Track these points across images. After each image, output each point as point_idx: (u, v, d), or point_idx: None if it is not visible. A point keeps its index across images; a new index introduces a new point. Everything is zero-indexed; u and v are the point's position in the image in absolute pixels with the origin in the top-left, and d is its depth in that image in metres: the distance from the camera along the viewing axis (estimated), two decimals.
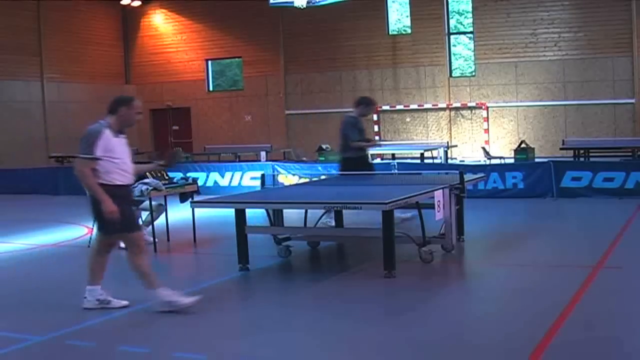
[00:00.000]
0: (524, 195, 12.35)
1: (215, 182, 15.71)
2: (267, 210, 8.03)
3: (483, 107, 21.23)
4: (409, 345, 4.99)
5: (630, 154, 16.86)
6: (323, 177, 11.88)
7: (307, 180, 12.47)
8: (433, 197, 7.34)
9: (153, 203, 9.14)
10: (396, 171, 10.26)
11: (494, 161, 17.14)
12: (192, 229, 9.37)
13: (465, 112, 21.77)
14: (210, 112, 25.47)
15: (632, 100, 19.82)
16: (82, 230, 10.67)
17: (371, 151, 19.70)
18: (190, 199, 9.33)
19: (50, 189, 16.98)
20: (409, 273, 7.09)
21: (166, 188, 9.12)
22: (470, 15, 21.94)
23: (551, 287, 6.56)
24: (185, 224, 9.84)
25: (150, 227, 9.09)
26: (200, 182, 11.62)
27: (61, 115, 23.86)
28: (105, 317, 5.88)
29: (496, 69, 21.27)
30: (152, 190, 8.78)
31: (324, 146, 19.31)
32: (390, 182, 8.91)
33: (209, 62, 25.66)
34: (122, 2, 25.35)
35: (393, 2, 22.80)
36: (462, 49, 23.02)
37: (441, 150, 19.31)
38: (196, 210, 9.08)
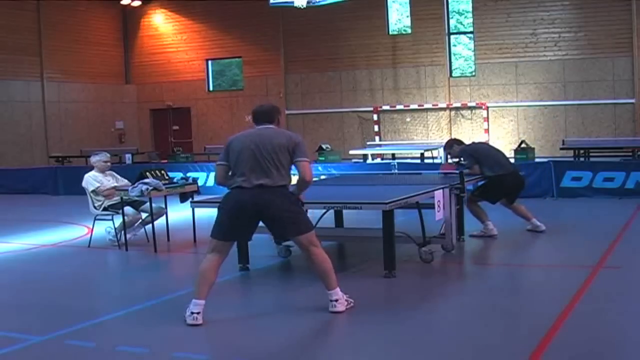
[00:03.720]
0: (524, 195, 12.18)
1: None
2: None
3: (483, 107, 21.23)
4: (409, 345, 4.99)
5: (630, 154, 16.85)
6: (323, 177, 11.87)
7: None
8: (433, 197, 7.34)
9: (154, 206, 9.13)
10: (396, 171, 10.26)
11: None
12: (192, 229, 9.37)
13: (466, 112, 21.78)
14: (210, 112, 25.48)
15: (632, 100, 19.82)
16: (82, 230, 10.67)
17: (371, 151, 19.86)
18: (190, 199, 9.33)
19: (50, 189, 17.00)
20: (409, 273, 7.09)
21: (166, 188, 9.12)
22: (470, 15, 21.94)
23: (551, 287, 6.57)
24: (185, 224, 9.84)
25: (150, 227, 9.10)
26: (200, 182, 11.62)
27: (61, 115, 23.88)
28: (105, 317, 5.88)
29: (496, 69, 21.28)
30: (152, 190, 8.78)
31: (324, 146, 19.30)
32: (390, 182, 8.91)
33: (209, 62, 25.67)
34: (122, 2, 25.36)
35: (393, 2, 22.80)
36: (462, 49, 23.03)
37: (441, 150, 19.28)
38: (196, 210, 9.07)
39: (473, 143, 9.82)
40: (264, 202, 5.53)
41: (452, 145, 9.43)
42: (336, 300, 5.68)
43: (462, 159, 9.22)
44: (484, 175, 9.00)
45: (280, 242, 7.92)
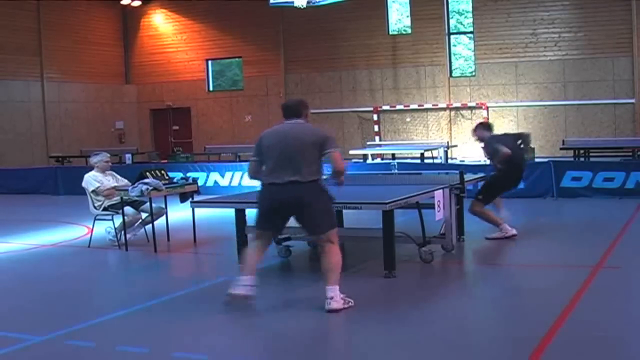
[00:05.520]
0: (524, 195, 12.34)
1: (216, 182, 15.70)
2: None
3: (483, 107, 21.22)
4: (409, 344, 4.99)
5: (630, 154, 16.86)
6: (323, 177, 11.86)
7: None
8: (433, 197, 7.34)
9: (154, 206, 9.13)
10: (396, 171, 10.25)
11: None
12: (192, 229, 9.37)
13: (466, 112, 21.78)
14: (210, 112, 25.48)
15: (632, 100, 19.82)
16: (82, 230, 10.67)
17: (371, 151, 19.87)
18: (190, 199, 9.33)
19: (50, 189, 17.00)
20: (409, 273, 7.09)
21: (166, 188, 9.11)
22: (470, 15, 21.95)
23: (551, 287, 6.56)
24: (185, 224, 9.84)
25: (150, 227, 9.09)
26: (200, 182, 11.61)
27: (61, 115, 23.88)
28: (105, 317, 5.88)
29: (496, 69, 21.28)
30: (152, 190, 8.77)
31: None
32: (390, 182, 8.90)
33: (209, 62, 25.68)
34: (122, 2, 25.37)
35: (393, 2, 22.81)
36: (462, 49, 23.03)
37: (441, 150, 19.30)
38: (196, 210, 9.08)
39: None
40: (296, 199, 5.74)
41: (477, 129, 9.28)
42: (331, 298, 5.68)
43: (487, 146, 9.00)
44: (497, 165, 8.87)
45: (280, 242, 7.93)
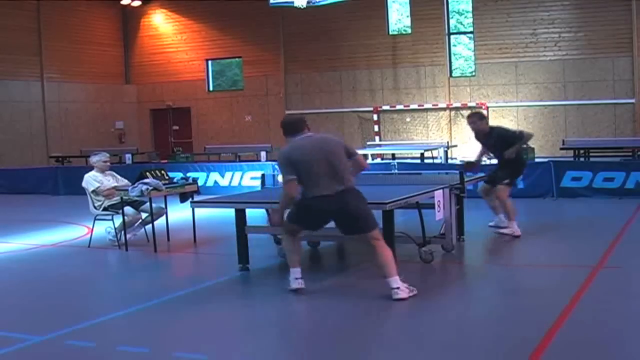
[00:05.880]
0: (524, 195, 12.33)
1: (215, 182, 15.71)
2: (267, 210, 8.02)
3: (483, 107, 21.22)
4: (408, 344, 4.99)
5: (630, 154, 16.86)
6: None
7: None
8: (433, 197, 7.34)
9: (154, 206, 9.13)
10: (396, 171, 10.25)
11: (494, 161, 17.09)
12: (192, 229, 9.37)
13: (466, 112, 21.72)
14: (210, 112, 25.49)
15: (632, 100, 19.83)
16: (82, 230, 10.67)
17: (371, 151, 19.88)
18: (190, 199, 9.33)
19: (50, 189, 17.00)
20: (409, 273, 7.06)
21: (166, 188, 9.12)
22: (470, 15, 21.95)
23: (551, 287, 6.56)
24: (185, 224, 9.84)
25: (150, 227, 9.09)
26: (200, 182, 11.62)
27: (61, 115, 23.89)
28: (105, 317, 5.88)
29: (496, 69, 21.28)
30: (152, 190, 8.77)
31: None
32: (390, 182, 8.90)
33: (209, 62, 25.68)
34: (122, 2, 25.38)
35: (393, 2, 22.81)
36: (462, 49, 23.03)
37: (441, 150, 19.31)
38: (196, 210, 9.07)
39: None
40: (345, 205, 6.05)
41: (483, 119, 9.46)
42: (397, 288, 5.94)
43: (507, 136, 9.11)
44: (509, 156, 8.94)
45: (280, 242, 7.91)
